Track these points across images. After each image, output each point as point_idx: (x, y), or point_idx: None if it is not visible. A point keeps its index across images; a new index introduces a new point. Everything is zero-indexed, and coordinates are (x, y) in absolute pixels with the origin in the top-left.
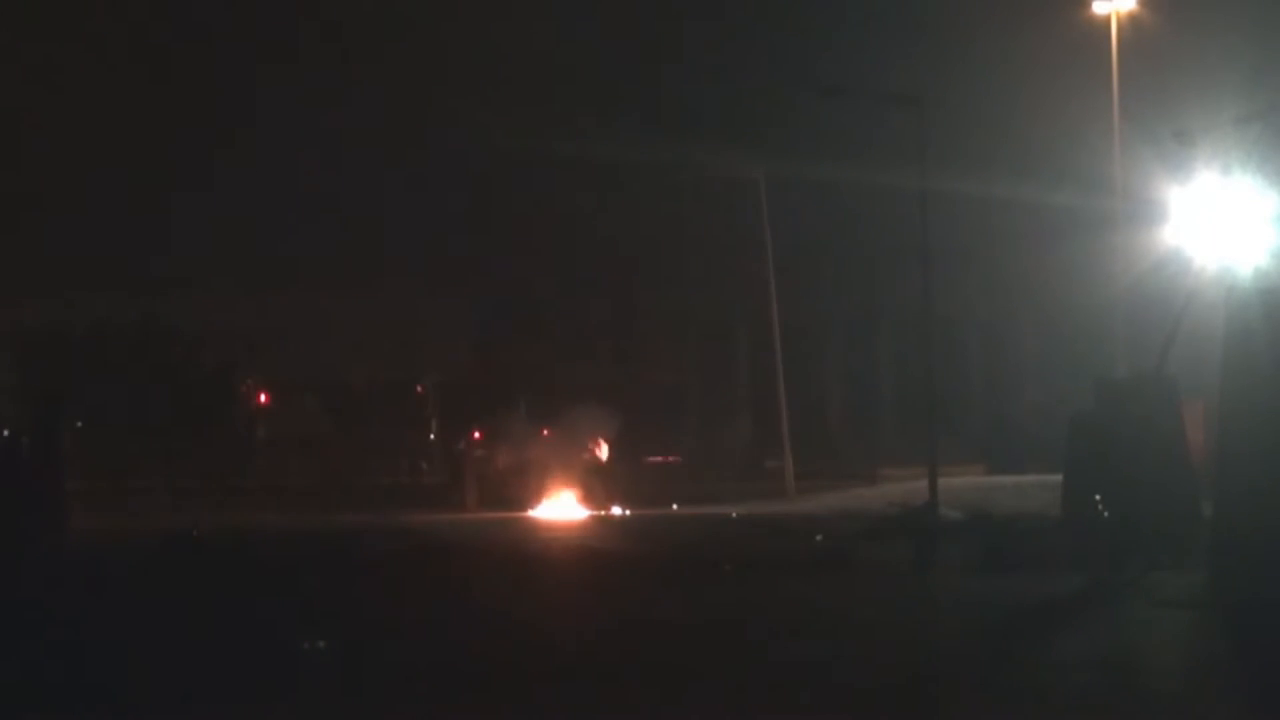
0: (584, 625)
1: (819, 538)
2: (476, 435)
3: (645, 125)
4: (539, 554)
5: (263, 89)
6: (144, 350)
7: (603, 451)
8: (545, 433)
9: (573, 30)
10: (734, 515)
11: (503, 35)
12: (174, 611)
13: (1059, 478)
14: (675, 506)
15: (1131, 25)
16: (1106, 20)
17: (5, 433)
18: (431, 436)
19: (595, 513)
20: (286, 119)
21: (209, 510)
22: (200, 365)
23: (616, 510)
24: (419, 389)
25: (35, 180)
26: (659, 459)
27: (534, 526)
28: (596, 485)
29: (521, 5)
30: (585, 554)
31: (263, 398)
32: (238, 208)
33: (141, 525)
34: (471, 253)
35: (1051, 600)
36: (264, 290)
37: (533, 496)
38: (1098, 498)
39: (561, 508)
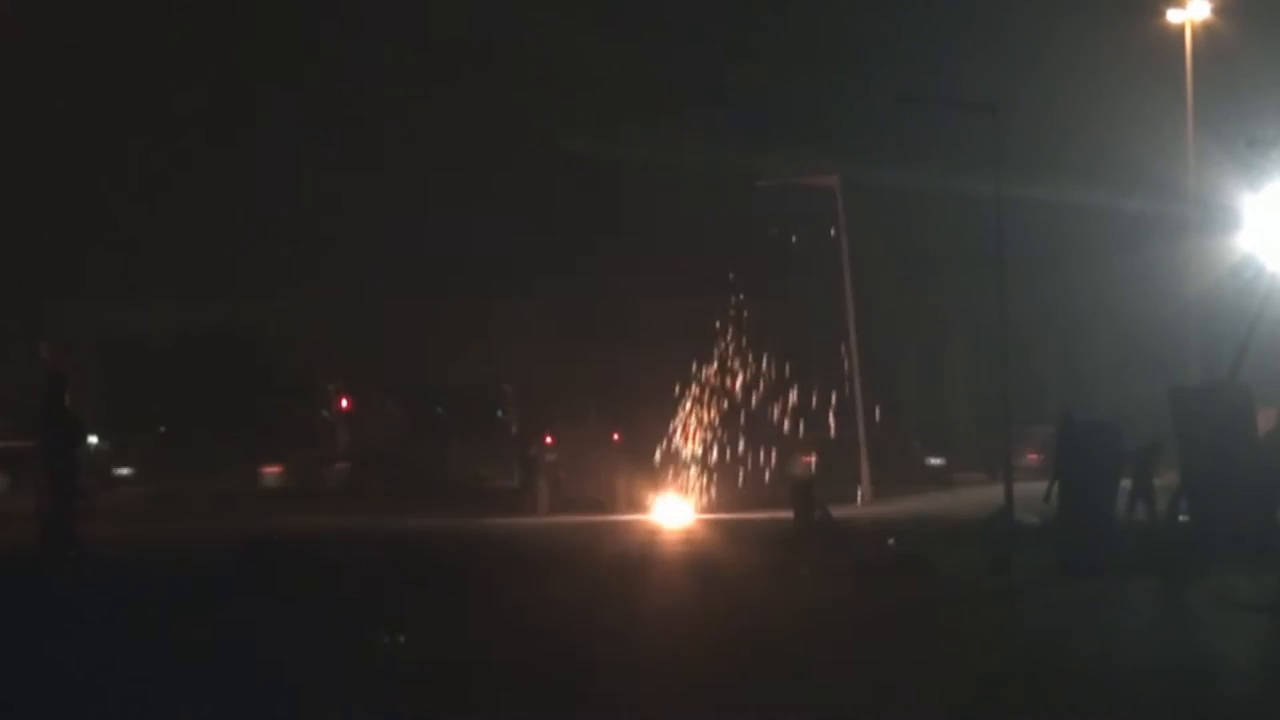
0: (656, 628)
1: (890, 541)
2: (548, 440)
3: (723, 131)
4: (612, 559)
5: (344, 91)
6: (226, 356)
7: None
8: (616, 437)
9: (650, 35)
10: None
11: (578, 40)
12: (253, 611)
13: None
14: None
15: (1205, 33)
16: (1180, 29)
17: None
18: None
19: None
20: (368, 121)
21: (291, 514)
22: (283, 370)
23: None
24: (506, 390)
25: (115, 188)
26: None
27: (605, 531)
28: (621, 485)
29: (599, 10)
30: (657, 558)
31: (344, 403)
32: (317, 212)
33: (225, 529)
34: (553, 256)
35: (1127, 604)
36: (344, 295)
37: (603, 501)
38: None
39: (633, 512)
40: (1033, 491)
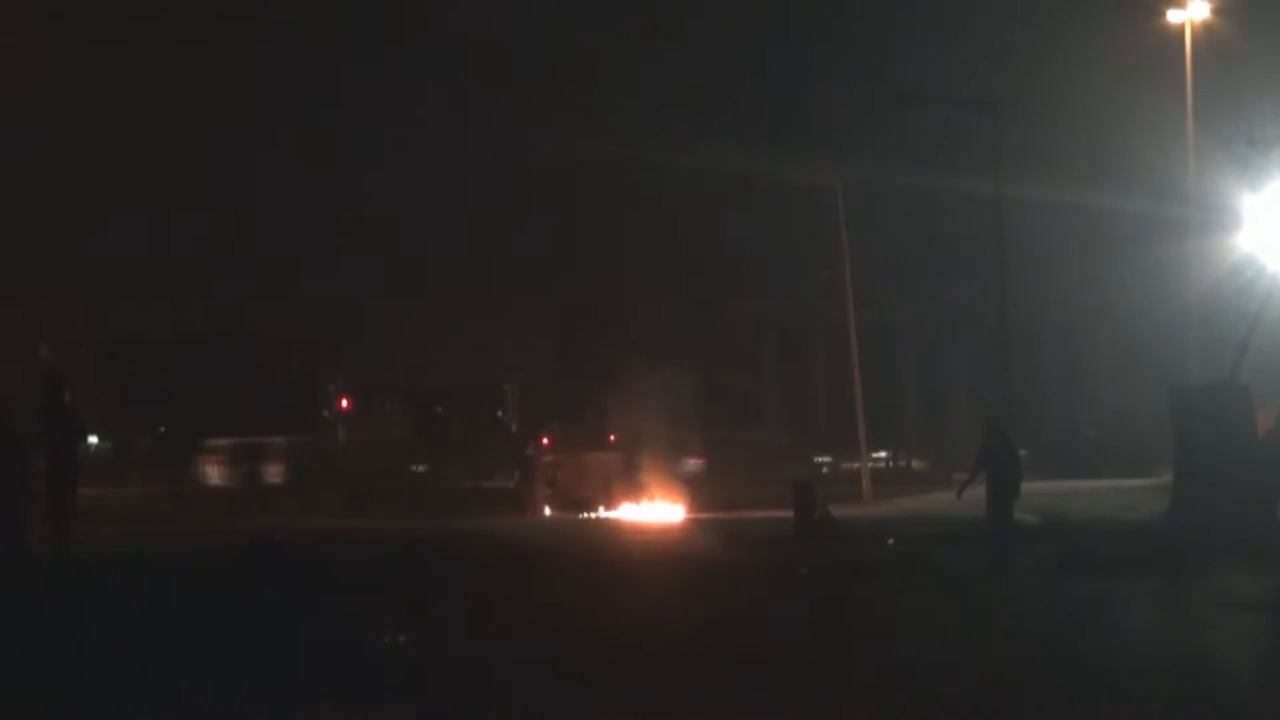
0: (655, 627)
1: (891, 541)
2: (545, 440)
3: (725, 132)
4: (612, 557)
5: (347, 95)
6: (227, 356)
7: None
8: (612, 438)
9: (654, 39)
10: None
11: (588, 45)
12: (254, 611)
13: (1133, 482)
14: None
15: (1205, 33)
16: (1180, 29)
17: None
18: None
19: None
20: (370, 124)
21: (291, 513)
22: (283, 370)
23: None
24: (506, 389)
25: (119, 186)
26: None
27: (602, 531)
28: (617, 485)
29: (606, 16)
30: (655, 557)
31: (344, 403)
32: (320, 213)
33: (225, 529)
34: (554, 256)
35: (1126, 603)
36: (347, 295)
37: (599, 500)
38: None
39: (628, 511)
40: (1031, 491)
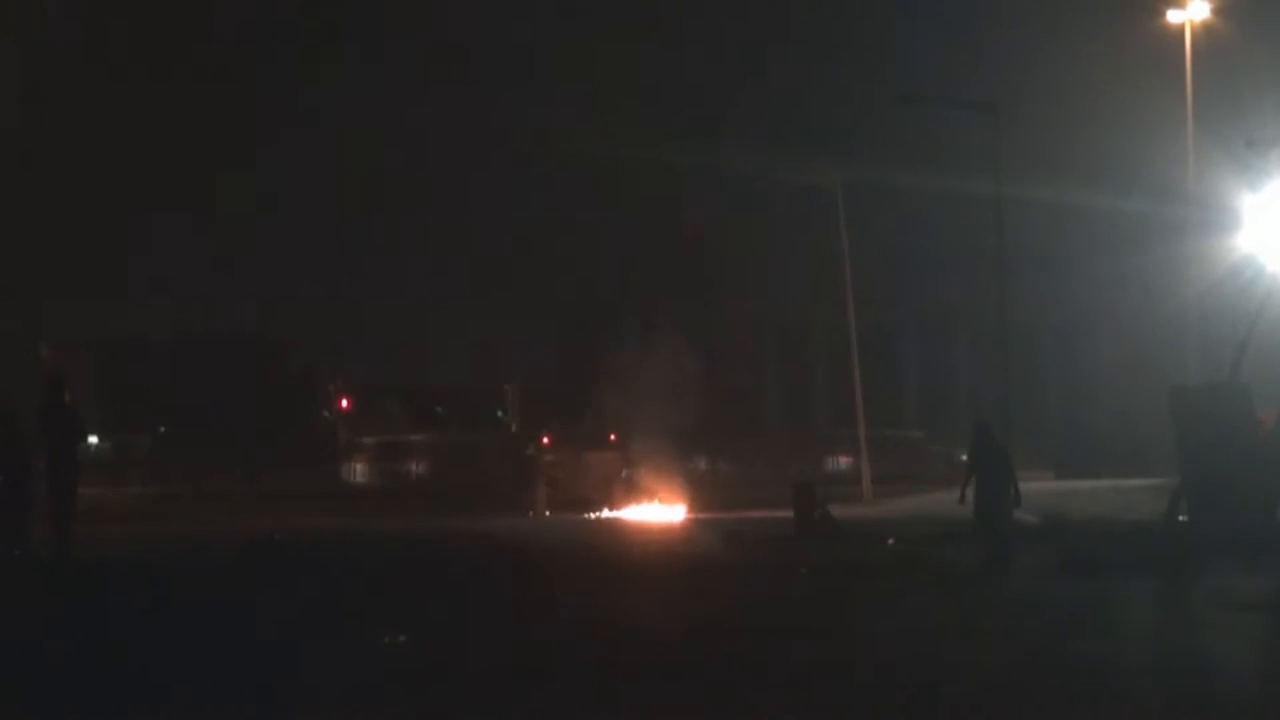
0: (656, 627)
1: (891, 541)
2: (545, 440)
3: (726, 132)
4: (612, 557)
5: (348, 92)
6: (227, 356)
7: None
8: (613, 437)
9: (654, 38)
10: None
11: (587, 44)
12: (254, 612)
13: (1132, 482)
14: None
15: (1205, 33)
16: (1180, 29)
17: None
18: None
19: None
20: (370, 124)
21: (291, 514)
22: (283, 370)
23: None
24: (506, 389)
25: (118, 187)
26: None
27: (602, 531)
28: (618, 484)
29: (606, 16)
30: (655, 557)
31: (344, 403)
32: (318, 212)
33: (224, 529)
34: (554, 256)
35: (1126, 603)
36: (347, 294)
37: (600, 500)
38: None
39: (629, 511)
40: (1031, 491)
